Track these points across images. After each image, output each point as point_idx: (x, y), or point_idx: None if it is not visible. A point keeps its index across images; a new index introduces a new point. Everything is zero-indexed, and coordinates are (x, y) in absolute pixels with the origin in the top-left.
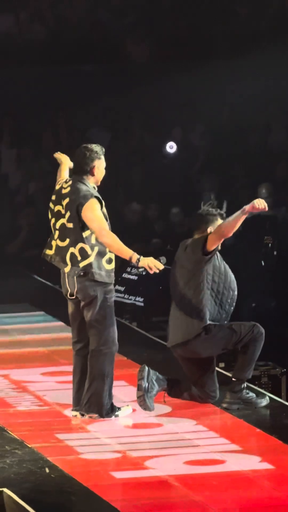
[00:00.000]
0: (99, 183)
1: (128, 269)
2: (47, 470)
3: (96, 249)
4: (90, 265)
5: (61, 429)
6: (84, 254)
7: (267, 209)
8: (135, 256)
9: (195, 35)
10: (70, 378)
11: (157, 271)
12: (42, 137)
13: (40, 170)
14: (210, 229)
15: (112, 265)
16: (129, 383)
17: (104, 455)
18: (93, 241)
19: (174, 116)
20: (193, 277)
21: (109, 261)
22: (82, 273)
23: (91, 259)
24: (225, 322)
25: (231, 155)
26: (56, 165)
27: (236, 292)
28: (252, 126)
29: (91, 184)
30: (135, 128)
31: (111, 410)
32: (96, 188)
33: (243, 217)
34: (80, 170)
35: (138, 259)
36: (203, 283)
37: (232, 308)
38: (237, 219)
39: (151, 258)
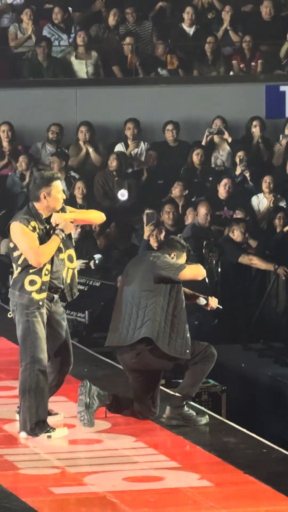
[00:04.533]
0: (56, 208)
1: None
2: None
3: (19, 269)
4: (14, 284)
5: (0, 444)
6: (13, 275)
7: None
8: (59, 234)
9: None
10: (11, 393)
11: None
12: None
13: None
14: (173, 255)
15: (35, 287)
16: (69, 399)
17: (43, 470)
18: (19, 261)
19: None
20: (158, 287)
21: (31, 283)
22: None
23: (16, 278)
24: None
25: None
26: None
27: None
28: None
29: (40, 210)
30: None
31: (40, 428)
32: (43, 215)
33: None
34: (31, 196)
35: (61, 230)
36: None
37: None
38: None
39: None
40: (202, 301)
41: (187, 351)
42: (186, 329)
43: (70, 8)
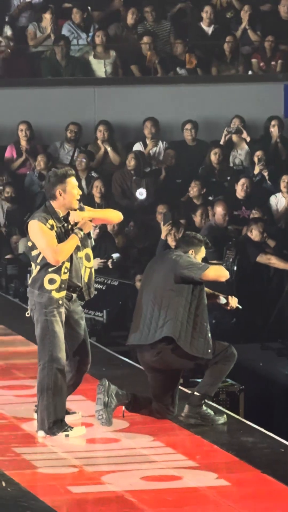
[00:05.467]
0: (73, 206)
1: None
2: (3, 484)
3: (38, 268)
4: (33, 283)
5: (18, 443)
6: (32, 274)
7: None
8: (78, 232)
9: None
10: (29, 392)
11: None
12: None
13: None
14: (191, 252)
15: (55, 286)
16: (87, 398)
17: (61, 469)
18: (38, 260)
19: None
20: (181, 287)
21: (51, 281)
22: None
23: (35, 277)
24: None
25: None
26: None
27: None
28: None
29: (57, 209)
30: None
31: (58, 427)
32: (61, 213)
33: None
34: (47, 195)
35: (80, 229)
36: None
37: None
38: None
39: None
40: (222, 300)
41: (209, 350)
42: (207, 328)
43: (89, 7)
